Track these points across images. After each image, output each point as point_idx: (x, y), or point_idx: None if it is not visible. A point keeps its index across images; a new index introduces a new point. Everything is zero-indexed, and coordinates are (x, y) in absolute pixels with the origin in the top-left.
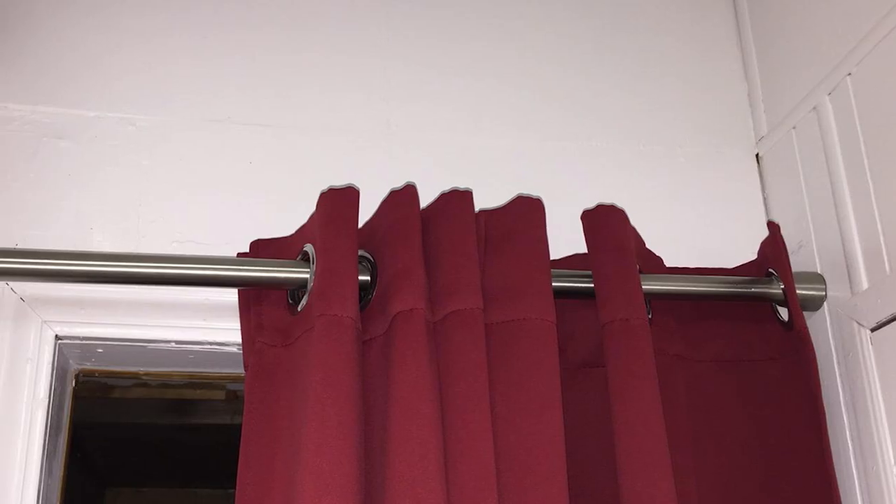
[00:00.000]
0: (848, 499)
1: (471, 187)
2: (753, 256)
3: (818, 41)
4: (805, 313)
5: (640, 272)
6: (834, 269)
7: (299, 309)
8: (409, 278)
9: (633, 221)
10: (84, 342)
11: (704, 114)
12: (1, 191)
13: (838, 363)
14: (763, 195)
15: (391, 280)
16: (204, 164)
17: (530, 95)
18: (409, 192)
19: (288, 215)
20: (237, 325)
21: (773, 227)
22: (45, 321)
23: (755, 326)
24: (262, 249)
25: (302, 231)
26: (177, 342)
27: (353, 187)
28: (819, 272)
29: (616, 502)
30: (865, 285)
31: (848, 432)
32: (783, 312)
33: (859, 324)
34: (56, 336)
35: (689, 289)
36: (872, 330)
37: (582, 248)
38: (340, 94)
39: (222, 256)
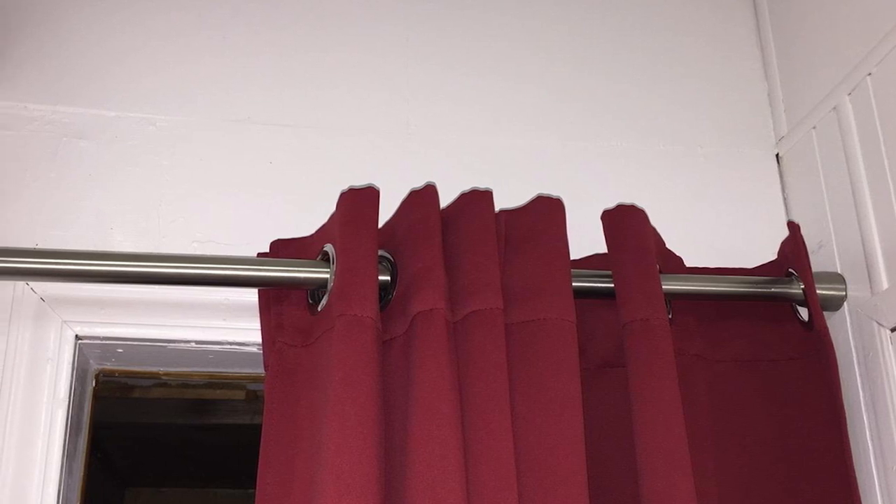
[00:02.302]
0: (868, 498)
1: (491, 187)
2: (773, 256)
3: (838, 41)
4: (825, 313)
5: (661, 272)
6: (854, 269)
7: (319, 309)
8: (430, 278)
9: (654, 221)
10: (104, 342)
11: (725, 114)
12: (21, 191)
13: (858, 363)
14: (783, 195)
15: (411, 280)
16: (224, 164)
17: (550, 95)
18: (429, 191)
19: (308, 215)
20: (257, 325)
21: (793, 226)
22: (66, 321)
23: (775, 326)
24: (282, 249)
25: (322, 231)
26: (197, 342)
27: (373, 187)
28: (839, 272)
29: (636, 502)
30: (886, 285)
31: (868, 432)
32: (803, 312)
33: (879, 324)
34: (76, 336)
35: (709, 289)
36: (893, 330)
37: (602, 248)
38: (361, 95)
39: (242, 256)
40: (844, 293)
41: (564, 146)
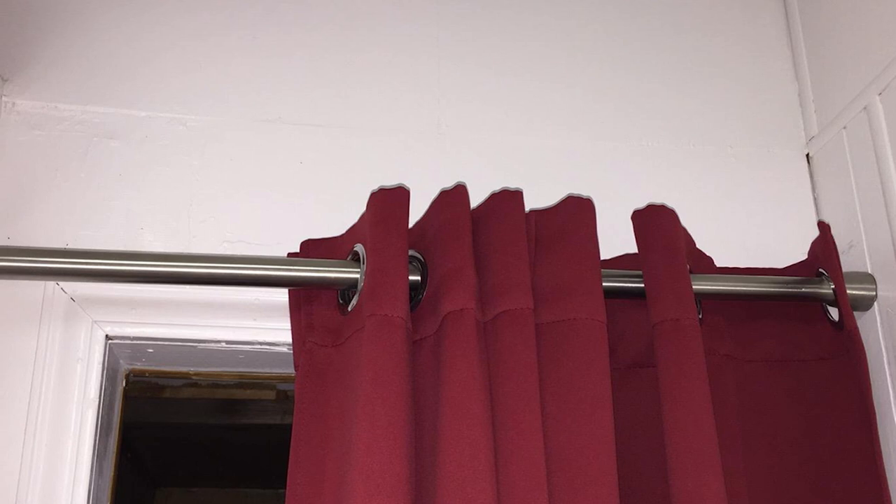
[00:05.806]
0: None
1: (521, 187)
2: (804, 256)
3: (869, 41)
4: (855, 313)
5: (691, 272)
6: (884, 268)
7: (350, 309)
8: (460, 278)
9: (684, 221)
10: (134, 342)
11: (755, 114)
12: (52, 191)
13: (889, 363)
14: (813, 195)
15: (442, 280)
16: (255, 164)
17: (581, 95)
18: (459, 192)
19: (338, 215)
20: (287, 325)
21: (823, 226)
22: (96, 321)
23: (805, 326)
24: (312, 249)
25: (352, 231)
26: (227, 342)
27: (403, 187)
28: (869, 272)
29: (666, 502)
30: None
31: None
32: (833, 312)
33: None
34: (106, 336)
35: (739, 289)
36: None
37: (632, 248)
38: (392, 95)
39: (273, 256)
40: (875, 293)
41: (595, 146)
